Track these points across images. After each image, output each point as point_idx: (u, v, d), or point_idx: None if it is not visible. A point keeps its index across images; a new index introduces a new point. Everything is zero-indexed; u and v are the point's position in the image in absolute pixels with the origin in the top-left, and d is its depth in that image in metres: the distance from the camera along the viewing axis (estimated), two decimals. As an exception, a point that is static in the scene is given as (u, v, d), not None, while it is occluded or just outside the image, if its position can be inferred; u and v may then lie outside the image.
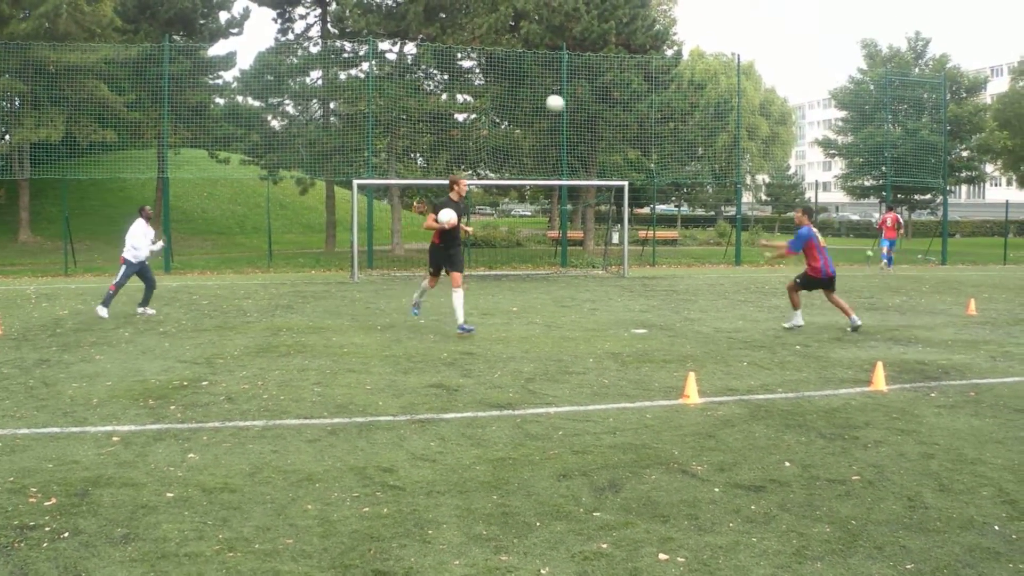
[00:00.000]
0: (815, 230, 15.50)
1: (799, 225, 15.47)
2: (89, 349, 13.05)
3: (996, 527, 5.78)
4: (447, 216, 14.08)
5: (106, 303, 17.03)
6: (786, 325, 15.58)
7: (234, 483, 6.61)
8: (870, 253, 32.90)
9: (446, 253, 14.65)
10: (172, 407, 9.17)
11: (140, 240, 17.35)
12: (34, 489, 6.43)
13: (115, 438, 7.89)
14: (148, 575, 4.97)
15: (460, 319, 14.60)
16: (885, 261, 31.71)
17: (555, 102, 20.91)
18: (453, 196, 14.52)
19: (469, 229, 16.68)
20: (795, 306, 15.49)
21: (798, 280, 15.55)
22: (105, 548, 5.33)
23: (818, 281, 15.47)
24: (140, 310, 17.35)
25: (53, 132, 34.05)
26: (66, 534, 5.55)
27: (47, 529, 5.64)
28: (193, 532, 5.60)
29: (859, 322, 15.11)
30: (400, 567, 5.09)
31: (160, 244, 18.13)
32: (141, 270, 17.48)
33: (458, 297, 14.54)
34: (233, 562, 5.14)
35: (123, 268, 17.33)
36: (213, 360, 12.11)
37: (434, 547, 5.38)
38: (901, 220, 34.07)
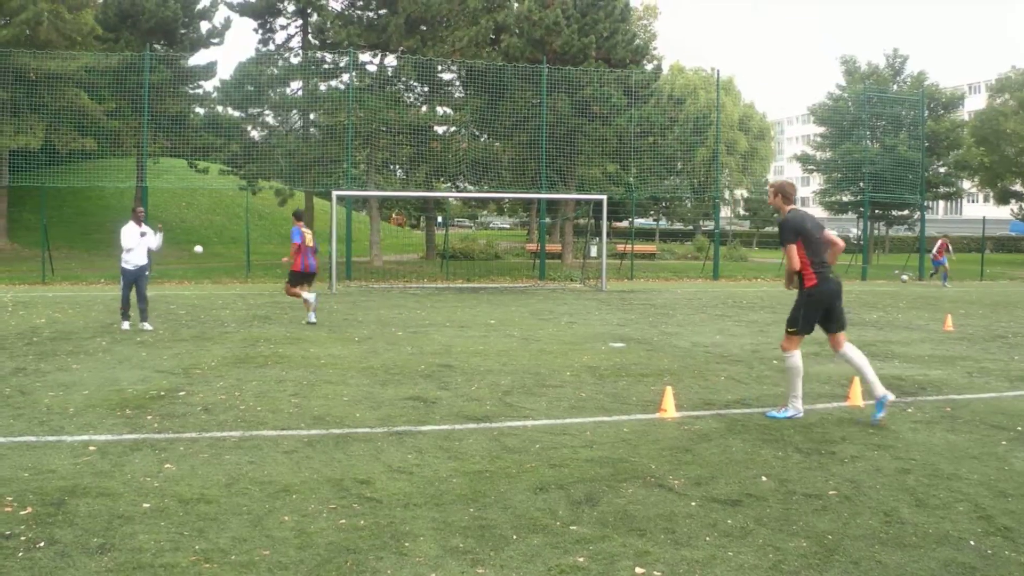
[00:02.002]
0: (303, 228, 18.26)
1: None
2: (66, 358, 12.99)
3: (972, 542, 5.81)
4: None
5: (124, 316, 16.84)
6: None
7: (211, 494, 6.59)
8: (896, 272, 33.65)
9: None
10: (149, 417, 9.14)
11: (128, 240, 16.79)
12: (9, 498, 6.39)
13: (91, 447, 7.85)
14: (123, 586, 4.95)
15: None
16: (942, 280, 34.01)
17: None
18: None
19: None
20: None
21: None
22: (81, 558, 5.31)
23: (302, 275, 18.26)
24: (141, 325, 16.77)
25: (32, 139, 33.92)
26: (42, 544, 5.52)
27: (23, 538, 5.60)
28: (169, 543, 5.58)
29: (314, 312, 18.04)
30: (377, 579, 5.09)
31: (159, 236, 17.50)
32: (138, 280, 16.90)
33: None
34: (209, 573, 5.12)
35: (121, 279, 17.08)
36: (190, 370, 12.07)
37: (411, 559, 5.37)
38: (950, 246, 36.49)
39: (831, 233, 9.73)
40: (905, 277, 33.95)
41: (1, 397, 10.13)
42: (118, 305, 17.04)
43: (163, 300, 21.58)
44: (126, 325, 16.66)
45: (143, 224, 17.07)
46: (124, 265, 16.94)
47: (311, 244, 18.37)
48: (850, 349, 9.47)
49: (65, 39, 36.46)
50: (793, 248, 9.27)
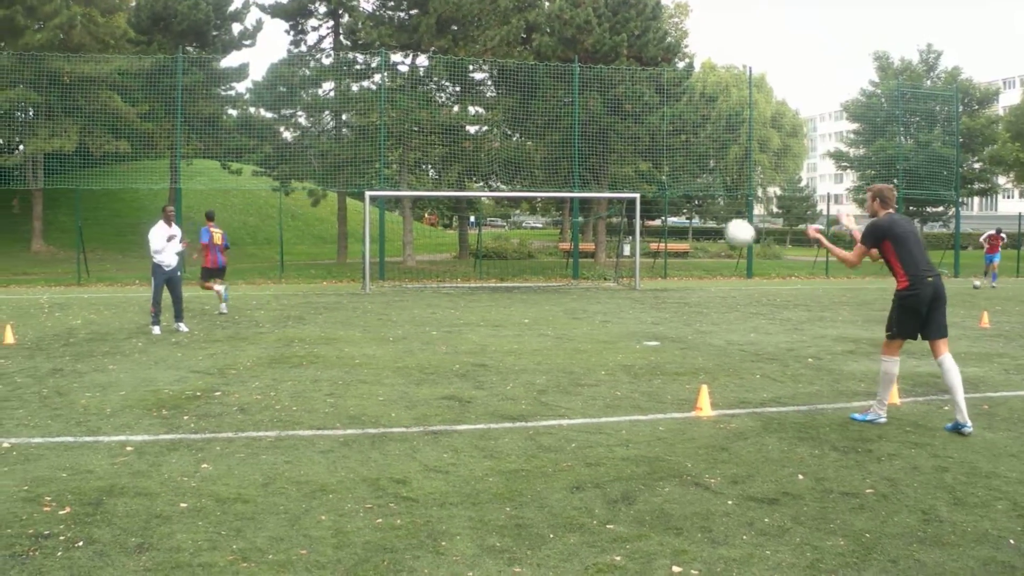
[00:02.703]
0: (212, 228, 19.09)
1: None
2: (102, 359, 13.08)
3: (1011, 541, 5.75)
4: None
5: (155, 320, 16.59)
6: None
7: (247, 493, 6.61)
8: (977, 284, 32.74)
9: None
10: (185, 417, 9.19)
11: (158, 241, 16.58)
12: (48, 498, 6.44)
13: (128, 448, 7.90)
14: (162, 585, 4.98)
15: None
16: (991, 278, 32.81)
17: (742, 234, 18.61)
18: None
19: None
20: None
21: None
22: (119, 557, 5.34)
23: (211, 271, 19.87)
24: (177, 325, 16.79)
25: (67, 142, 34.22)
26: (80, 543, 5.55)
27: (61, 538, 5.64)
28: (207, 542, 5.60)
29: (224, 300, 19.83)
30: (414, 578, 5.09)
31: (182, 247, 17.29)
32: (171, 281, 16.78)
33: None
34: (247, 572, 5.14)
35: (152, 280, 16.89)
36: (226, 370, 12.13)
37: (447, 559, 5.37)
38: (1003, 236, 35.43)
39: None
40: (978, 283, 32.66)
41: (39, 398, 10.21)
42: (149, 307, 16.92)
43: (197, 301, 21.70)
44: (157, 330, 16.36)
45: (173, 224, 16.92)
46: (156, 262, 16.70)
47: (219, 243, 19.87)
48: (947, 360, 8.93)
49: (98, 42, 36.78)
50: (861, 249, 9.17)
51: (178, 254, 17.16)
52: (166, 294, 16.61)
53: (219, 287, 19.92)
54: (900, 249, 8.96)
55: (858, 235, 9.41)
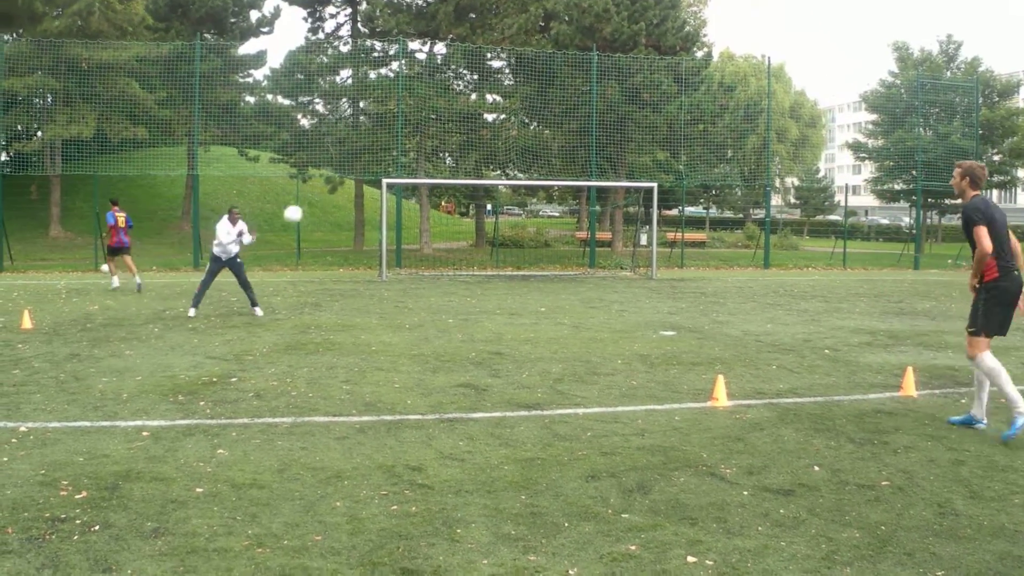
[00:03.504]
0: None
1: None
2: (119, 344, 13.13)
3: (1028, 535, 5.74)
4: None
5: (195, 303, 17.02)
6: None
7: (263, 479, 6.63)
8: (950, 262, 32.43)
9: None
10: (201, 403, 9.21)
11: (226, 235, 16.98)
12: (65, 482, 6.47)
13: (145, 433, 7.93)
14: (177, 569, 4.99)
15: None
16: None
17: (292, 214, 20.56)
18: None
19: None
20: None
21: None
22: (135, 542, 5.36)
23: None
24: (253, 310, 17.09)
25: (85, 129, 34.29)
26: (96, 527, 5.58)
27: (78, 522, 5.67)
28: (222, 527, 5.62)
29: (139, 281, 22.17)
30: (428, 565, 5.09)
31: (250, 239, 17.48)
32: (234, 269, 17.17)
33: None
34: (262, 558, 5.16)
35: (209, 264, 17.32)
36: (242, 357, 12.16)
37: (462, 546, 5.38)
38: None
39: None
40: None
41: (56, 383, 10.25)
42: (197, 293, 17.12)
43: (214, 287, 21.74)
44: (192, 312, 16.81)
45: (238, 223, 17.23)
46: (216, 252, 17.07)
47: (123, 225, 22.26)
48: (989, 359, 8.34)
49: (116, 29, 36.78)
50: (983, 230, 8.08)
51: (242, 243, 17.45)
52: (231, 280, 16.87)
53: (107, 267, 23.01)
54: (994, 237, 8.18)
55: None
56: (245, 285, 17.27)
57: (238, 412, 8.81)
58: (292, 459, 7.17)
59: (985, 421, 8.60)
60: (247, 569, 5.01)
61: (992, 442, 8.00)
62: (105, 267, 23.00)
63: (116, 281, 22.61)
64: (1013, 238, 8.45)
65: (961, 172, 8.56)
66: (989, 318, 8.31)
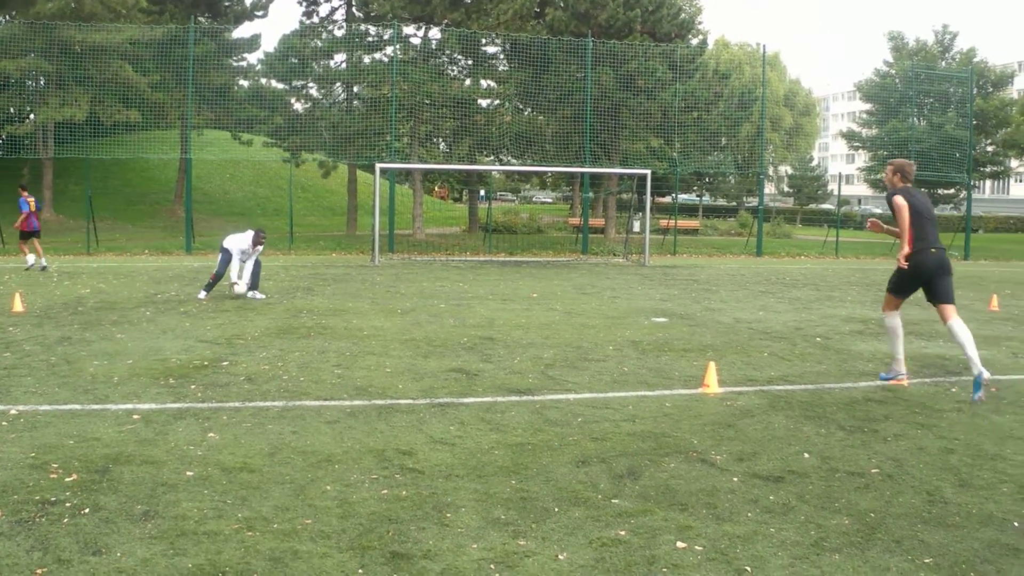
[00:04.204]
0: None
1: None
2: (110, 328, 13.11)
3: (1015, 523, 5.74)
4: None
5: (207, 288, 17.14)
6: None
7: (253, 463, 6.63)
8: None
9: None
10: (192, 386, 9.20)
11: (237, 247, 17.02)
12: (55, 465, 6.46)
13: (135, 416, 7.92)
14: (167, 552, 4.98)
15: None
16: None
17: None
18: None
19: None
20: None
21: None
22: (125, 525, 5.35)
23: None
24: (251, 294, 17.19)
25: (77, 112, 34.22)
26: (86, 510, 5.57)
27: (68, 505, 5.66)
28: (212, 511, 5.62)
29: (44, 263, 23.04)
30: (418, 549, 5.10)
31: (255, 254, 17.53)
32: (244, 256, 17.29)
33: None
34: (251, 541, 5.16)
35: (221, 255, 17.19)
36: (233, 340, 12.14)
37: (452, 530, 5.38)
38: None
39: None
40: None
41: (47, 366, 10.23)
42: (174, 275, 17.21)
43: (207, 271, 21.72)
44: (203, 295, 16.94)
45: (260, 247, 17.35)
46: (228, 248, 17.06)
47: (34, 209, 23.34)
48: (955, 323, 9.49)
49: (110, 12, 36.67)
50: (902, 203, 9.49)
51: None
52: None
53: (31, 258, 23.28)
54: (914, 221, 9.52)
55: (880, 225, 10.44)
56: (257, 272, 17.36)
57: (229, 396, 8.81)
58: (283, 443, 7.16)
59: (986, 372, 9.26)
60: (236, 552, 5.01)
61: (982, 430, 8.02)
62: (31, 258, 23.30)
63: (31, 259, 23.22)
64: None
65: (893, 169, 10.06)
66: (897, 285, 9.96)
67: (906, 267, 9.61)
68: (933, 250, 9.57)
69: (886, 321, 10.20)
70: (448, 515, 5.63)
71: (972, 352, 9.30)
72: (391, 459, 6.79)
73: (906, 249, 9.58)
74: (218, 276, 17.11)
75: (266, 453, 6.89)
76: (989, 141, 57.59)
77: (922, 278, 9.66)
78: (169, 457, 6.73)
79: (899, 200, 9.52)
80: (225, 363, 10.54)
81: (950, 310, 9.56)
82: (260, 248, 17.31)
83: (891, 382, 10.07)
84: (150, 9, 39.15)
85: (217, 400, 8.61)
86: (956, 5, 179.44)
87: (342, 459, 6.76)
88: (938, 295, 9.65)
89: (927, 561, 5.12)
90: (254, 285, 17.27)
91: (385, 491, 6.05)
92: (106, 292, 17.74)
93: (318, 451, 6.95)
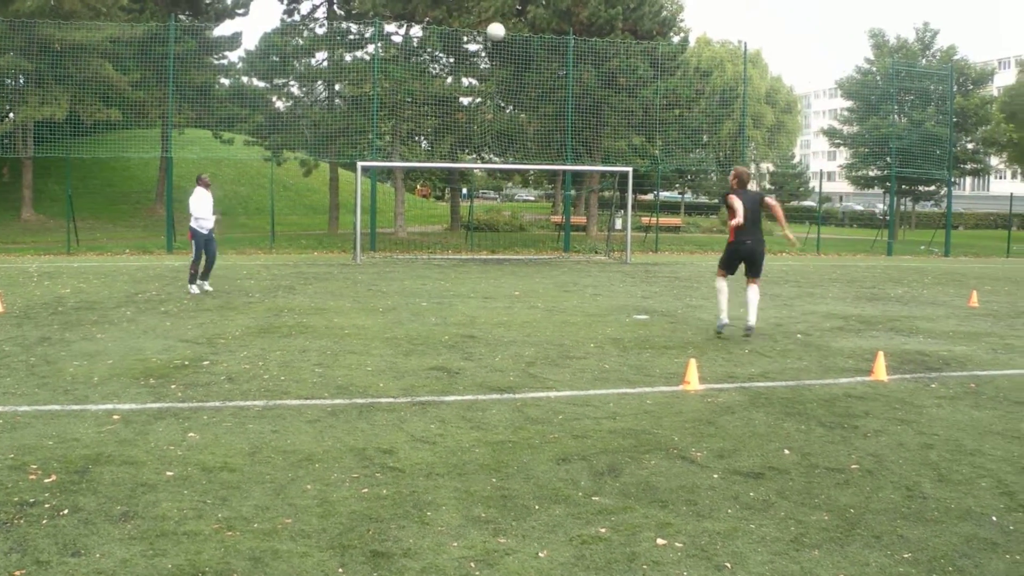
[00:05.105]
0: None
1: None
2: (90, 327, 13.06)
3: (994, 518, 5.79)
4: None
5: (192, 280, 17.54)
6: None
7: (234, 463, 6.62)
8: (922, 248, 32.78)
9: None
10: (173, 386, 9.18)
11: (203, 209, 17.45)
12: (34, 466, 6.44)
13: (115, 416, 7.90)
14: (147, 553, 4.98)
15: None
16: None
17: (495, 30, 23.03)
18: None
19: None
20: None
21: None
22: (104, 525, 5.34)
23: None
24: (201, 284, 17.60)
25: (57, 110, 34.00)
26: (66, 511, 5.56)
27: (47, 506, 5.65)
28: (192, 511, 5.61)
29: None
30: (398, 548, 5.10)
31: (217, 216, 18.12)
32: (209, 243, 17.62)
33: None
34: (232, 541, 5.15)
35: (192, 243, 17.58)
36: (214, 340, 12.12)
37: (432, 529, 5.39)
38: None
39: (771, 199, 13.38)
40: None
41: (27, 366, 10.19)
42: (192, 272, 17.65)
43: (187, 270, 21.68)
44: (195, 289, 17.32)
45: (203, 188, 17.64)
46: (197, 228, 17.44)
47: None
48: (752, 291, 13.38)
49: (90, 10, 36.46)
50: (736, 201, 12.75)
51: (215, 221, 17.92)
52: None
53: None
54: (736, 216, 12.76)
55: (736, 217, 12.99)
56: (212, 261, 17.72)
57: (210, 395, 8.79)
58: (263, 442, 7.16)
59: (726, 321, 13.39)
60: (216, 552, 5.01)
61: (961, 426, 8.06)
62: None
63: None
64: (771, 201, 13.34)
65: (734, 174, 13.39)
66: (725, 263, 13.47)
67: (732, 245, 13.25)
68: (748, 241, 13.03)
69: (717, 283, 13.51)
70: (428, 513, 5.63)
71: (752, 313, 13.20)
72: (372, 458, 6.79)
73: (732, 236, 13.21)
74: (196, 260, 17.48)
75: (246, 452, 6.88)
76: (969, 139, 57.79)
77: (740, 260, 13.28)
78: (149, 457, 6.72)
79: (732, 198, 12.79)
80: (206, 363, 10.52)
81: (754, 282, 13.37)
82: (212, 204, 17.70)
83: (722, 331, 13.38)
84: (130, 7, 38.97)
85: (197, 400, 8.59)
86: (937, 3, 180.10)
87: (322, 458, 6.75)
88: (750, 271, 13.29)
89: (906, 556, 5.15)
90: (204, 276, 17.65)
91: (365, 490, 6.05)
92: (86, 292, 17.67)
93: (299, 450, 6.95)
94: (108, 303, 15.96)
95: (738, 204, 12.67)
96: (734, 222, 12.81)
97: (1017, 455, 7.22)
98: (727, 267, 13.35)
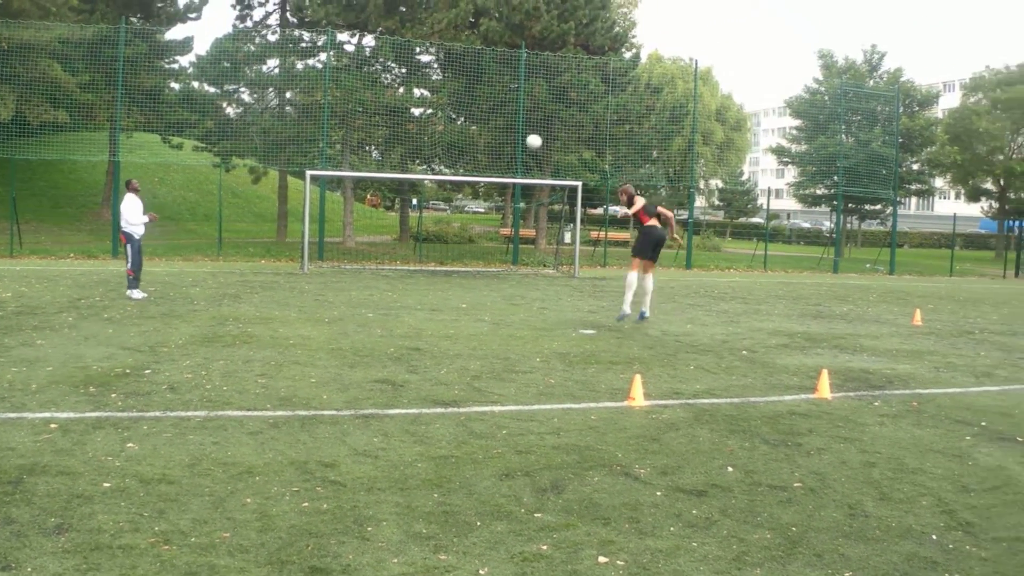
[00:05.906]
0: None
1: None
2: (31, 333, 12.87)
3: (934, 536, 5.82)
4: None
5: (132, 286, 17.61)
6: None
7: (172, 474, 6.52)
8: (868, 266, 33.21)
9: None
10: (113, 395, 9.05)
11: (136, 214, 17.56)
12: (-33, 475, 6.32)
13: (53, 425, 7.77)
14: (80, 567, 4.88)
15: None
16: None
17: (534, 141, 25.46)
18: None
19: None
20: None
21: None
22: (37, 538, 5.24)
23: None
24: (130, 293, 17.58)
25: (3, 111, 33.56)
26: (-3, 522, 5.45)
27: (-22, 517, 5.54)
28: (128, 524, 5.52)
29: None
30: (337, 564, 5.04)
31: (149, 218, 18.18)
32: (140, 250, 17.72)
33: None
34: (168, 555, 5.07)
35: (128, 247, 17.63)
36: (157, 348, 11.97)
37: (372, 544, 5.33)
38: None
39: (664, 209, 16.40)
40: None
41: (-36, 371, 10.02)
42: (130, 278, 17.76)
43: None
44: (138, 294, 17.43)
45: (132, 192, 17.77)
46: (131, 232, 17.61)
47: None
48: (649, 280, 16.49)
49: (39, 9, 36.06)
50: (641, 202, 16.20)
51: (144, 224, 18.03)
52: (157, 270, 17.13)
53: None
54: (647, 212, 16.15)
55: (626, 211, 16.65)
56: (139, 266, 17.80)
57: (150, 405, 8.67)
58: (203, 454, 7.06)
59: (627, 312, 16.04)
60: (152, 567, 4.92)
61: (903, 444, 8.11)
62: None
63: None
64: (664, 211, 16.43)
65: (625, 193, 16.53)
66: (639, 248, 16.29)
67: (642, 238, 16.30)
68: (658, 228, 16.15)
69: (627, 277, 16.23)
70: (369, 529, 5.57)
71: (647, 300, 16.55)
72: (313, 471, 6.72)
73: (644, 219, 16.12)
74: (136, 267, 17.49)
75: (186, 464, 6.78)
76: (915, 159, 58.56)
77: (653, 243, 16.17)
78: (86, 468, 6.60)
79: (636, 198, 16.24)
80: (147, 371, 10.39)
81: (651, 268, 16.50)
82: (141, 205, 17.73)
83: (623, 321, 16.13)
84: (80, 8, 38.56)
85: (138, 409, 8.47)
86: (885, 26, 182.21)
87: (263, 471, 6.68)
88: (654, 256, 16.40)
89: (847, 575, 5.16)
90: (133, 284, 17.69)
91: (306, 504, 5.98)
92: (28, 296, 17.42)
93: (239, 463, 6.86)
94: (50, 308, 15.75)
95: (639, 198, 16.31)
96: (634, 209, 16.12)
97: (957, 473, 7.28)
98: (642, 253, 16.18)
